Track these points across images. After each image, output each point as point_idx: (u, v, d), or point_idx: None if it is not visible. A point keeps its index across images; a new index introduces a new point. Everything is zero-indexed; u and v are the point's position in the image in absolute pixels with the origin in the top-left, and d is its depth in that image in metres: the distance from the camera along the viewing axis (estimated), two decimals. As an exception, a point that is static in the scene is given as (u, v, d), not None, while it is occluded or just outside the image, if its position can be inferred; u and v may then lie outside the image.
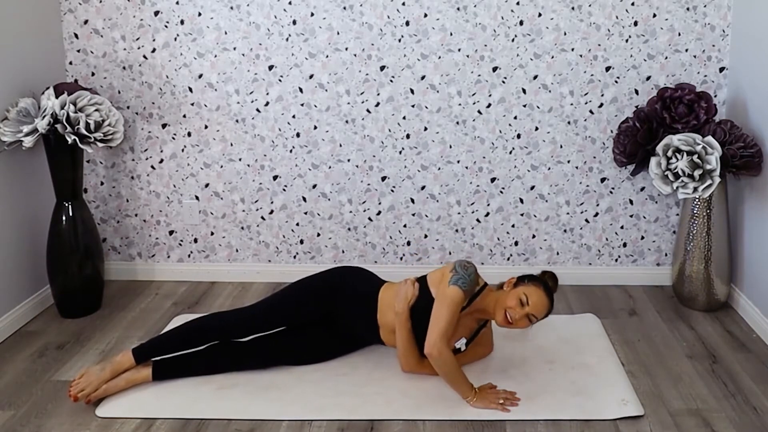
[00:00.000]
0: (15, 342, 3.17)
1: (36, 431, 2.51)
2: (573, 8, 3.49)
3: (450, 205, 3.73)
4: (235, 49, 3.60)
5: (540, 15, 3.50)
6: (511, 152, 3.65)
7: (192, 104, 3.67)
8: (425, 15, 3.52)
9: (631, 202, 3.68)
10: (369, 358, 2.95)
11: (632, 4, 3.47)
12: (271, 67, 3.61)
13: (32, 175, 3.42)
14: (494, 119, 3.61)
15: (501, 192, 3.70)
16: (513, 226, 3.74)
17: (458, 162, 3.67)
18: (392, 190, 3.72)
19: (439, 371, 2.62)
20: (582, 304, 3.52)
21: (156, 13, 3.59)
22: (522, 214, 3.72)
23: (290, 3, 3.54)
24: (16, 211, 3.31)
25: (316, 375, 2.82)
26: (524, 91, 3.58)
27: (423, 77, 3.58)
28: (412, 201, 3.73)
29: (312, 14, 3.55)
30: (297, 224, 3.79)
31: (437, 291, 2.68)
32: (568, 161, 3.65)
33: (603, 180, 3.66)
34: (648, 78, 3.54)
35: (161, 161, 3.75)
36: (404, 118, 3.63)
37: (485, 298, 2.73)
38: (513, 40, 3.53)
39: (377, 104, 3.62)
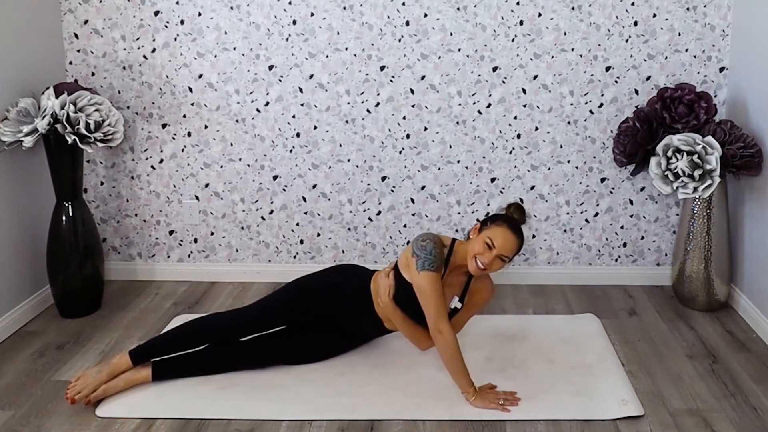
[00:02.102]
0: (15, 342, 3.17)
1: (36, 431, 2.51)
2: (573, 8, 3.49)
3: (450, 205, 3.73)
4: (235, 49, 3.60)
5: (540, 15, 3.50)
6: (511, 152, 3.65)
7: (192, 104, 3.67)
8: (425, 15, 3.52)
9: (631, 202, 3.68)
10: (368, 358, 2.95)
11: (632, 4, 3.47)
12: (271, 67, 3.61)
13: (32, 175, 3.42)
14: (494, 119, 3.61)
15: (501, 192, 3.70)
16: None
17: (458, 162, 3.67)
18: (392, 190, 3.72)
19: (442, 354, 2.62)
20: (582, 304, 3.52)
21: (156, 13, 3.59)
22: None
23: (290, 3, 3.54)
24: (16, 211, 3.31)
25: (316, 375, 2.82)
26: (524, 91, 3.58)
27: (423, 77, 3.58)
28: (412, 201, 3.73)
29: (312, 14, 3.55)
30: (297, 224, 3.79)
31: (410, 277, 2.68)
32: (568, 161, 3.65)
33: (603, 180, 3.66)
34: (648, 78, 3.54)
35: (161, 161, 3.75)
36: (404, 118, 3.63)
37: (458, 254, 2.72)
38: (513, 40, 3.53)
39: (377, 104, 3.62)
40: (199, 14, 3.58)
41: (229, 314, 2.91)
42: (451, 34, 3.53)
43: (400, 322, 2.75)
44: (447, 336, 2.59)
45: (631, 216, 3.70)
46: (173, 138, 3.72)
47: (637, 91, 3.56)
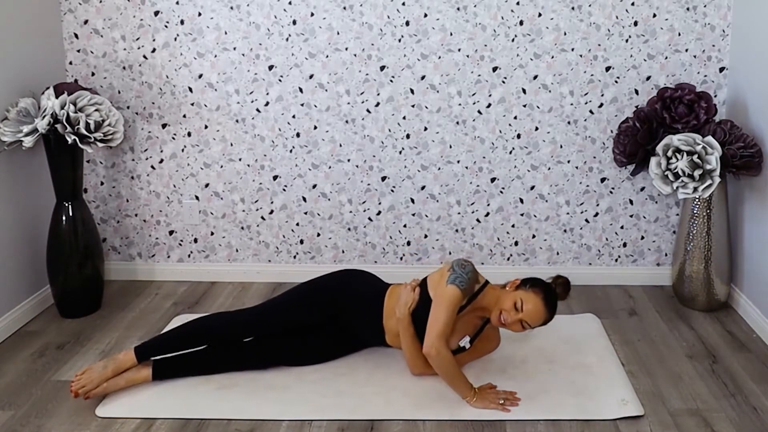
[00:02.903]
0: (15, 342, 3.17)
1: (36, 431, 2.51)
2: (573, 8, 3.49)
3: (450, 205, 3.73)
4: (235, 49, 3.60)
5: (540, 15, 3.50)
6: (511, 152, 3.65)
7: (192, 104, 3.67)
8: (425, 15, 3.52)
9: (631, 202, 3.68)
10: (369, 359, 2.95)
11: (632, 4, 3.47)
12: (271, 67, 3.61)
13: (32, 175, 3.42)
14: (494, 119, 3.61)
15: (501, 192, 3.70)
16: (513, 226, 3.74)
17: (458, 162, 3.67)
18: (392, 190, 3.72)
19: (438, 371, 2.62)
20: (582, 304, 3.52)
21: (156, 13, 3.59)
22: (522, 214, 3.72)
23: (290, 3, 3.54)
24: (16, 211, 3.31)
25: (316, 375, 2.82)
26: (524, 91, 3.58)
27: (423, 77, 3.58)
28: (412, 201, 3.73)
29: (312, 14, 3.55)
30: (297, 224, 3.79)
31: (434, 292, 2.68)
32: (568, 161, 3.65)
33: (603, 180, 3.66)
34: (648, 78, 3.54)
35: (161, 161, 3.75)
36: (404, 118, 3.63)
37: (486, 296, 2.72)
38: (513, 40, 3.53)
39: (377, 104, 3.62)
40: (199, 14, 3.58)
41: (234, 314, 2.91)
42: (451, 34, 3.53)
43: (408, 338, 2.74)
44: (443, 354, 2.58)
45: (631, 216, 3.70)
46: (173, 138, 3.72)
47: (637, 91, 3.56)
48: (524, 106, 3.60)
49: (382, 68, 3.58)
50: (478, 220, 3.74)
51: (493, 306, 2.69)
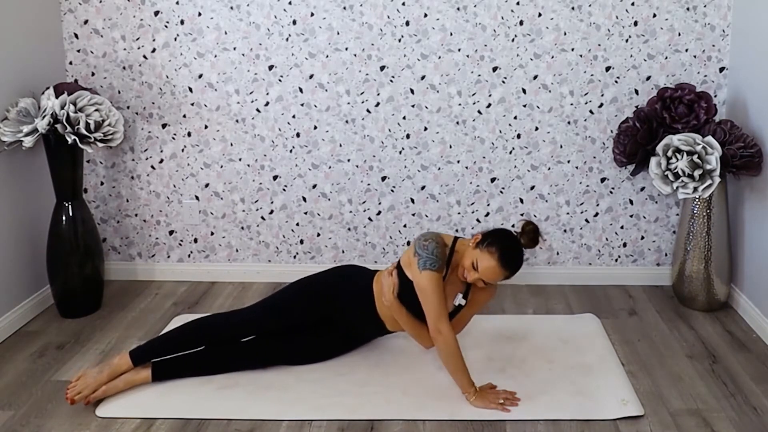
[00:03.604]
0: (15, 342, 3.17)
1: (36, 431, 2.51)
2: (573, 8, 3.49)
3: (450, 205, 3.73)
4: (235, 49, 3.60)
5: (540, 15, 3.50)
6: (511, 152, 3.65)
7: (192, 104, 3.67)
8: (425, 15, 3.52)
9: (631, 202, 3.68)
10: (368, 358, 2.95)
11: (632, 4, 3.47)
12: (271, 67, 3.61)
13: (32, 175, 3.42)
14: (494, 119, 3.61)
15: (501, 192, 3.70)
16: (513, 226, 3.73)
17: (458, 162, 3.67)
18: (392, 190, 3.72)
19: (442, 355, 2.62)
20: (582, 304, 3.52)
21: (156, 13, 3.59)
22: (522, 214, 3.72)
23: (290, 3, 3.54)
24: (16, 211, 3.31)
25: (316, 375, 2.82)
26: (524, 91, 3.58)
27: (423, 77, 3.58)
28: (412, 201, 3.73)
29: (312, 14, 3.55)
30: (297, 224, 3.79)
31: (412, 275, 2.67)
32: (568, 161, 3.65)
33: (603, 180, 3.66)
34: (648, 78, 3.54)
35: (161, 161, 3.75)
36: (404, 118, 3.63)
37: (459, 254, 2.71)
38: (513, 40, 3.53)
39: (377, 104, 3.62)
40: (199, 14, 3.58)
41: (229, 315, 2.92)
42: (451, 34, 3.53)
43: (405, 320, 2.74)
44: (447, 336, 2.59)
45: (631, 216, 3.70)
46: (173, 138, 3.72)
47: (637, 91, 3.56)
48: (524, 106, 3.60)
49: (382, 68, 3.58)
50: (478, 220, 3.74)
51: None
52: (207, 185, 3.76)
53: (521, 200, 3.70)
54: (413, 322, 2.74)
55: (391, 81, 3.59)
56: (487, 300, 2.87)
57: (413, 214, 3.74)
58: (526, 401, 2.62)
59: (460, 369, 2.61)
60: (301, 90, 3.62)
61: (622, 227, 3.72)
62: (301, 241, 3.81)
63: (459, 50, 3.54)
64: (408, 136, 3.65)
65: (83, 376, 2.67)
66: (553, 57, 3.54)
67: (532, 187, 3.69)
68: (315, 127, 3.66)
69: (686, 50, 3.51)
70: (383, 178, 3.70)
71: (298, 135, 3.68)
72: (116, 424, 2.54)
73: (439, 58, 3.56)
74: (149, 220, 3.83)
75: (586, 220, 3.72)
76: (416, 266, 2.63)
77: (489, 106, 3.60)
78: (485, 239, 2.66)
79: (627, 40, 3.51)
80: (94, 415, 2.59)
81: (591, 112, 3.59)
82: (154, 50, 3.63)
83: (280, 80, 3.62)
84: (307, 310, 2.85)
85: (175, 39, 3.61)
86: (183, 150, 3.72)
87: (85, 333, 3.25)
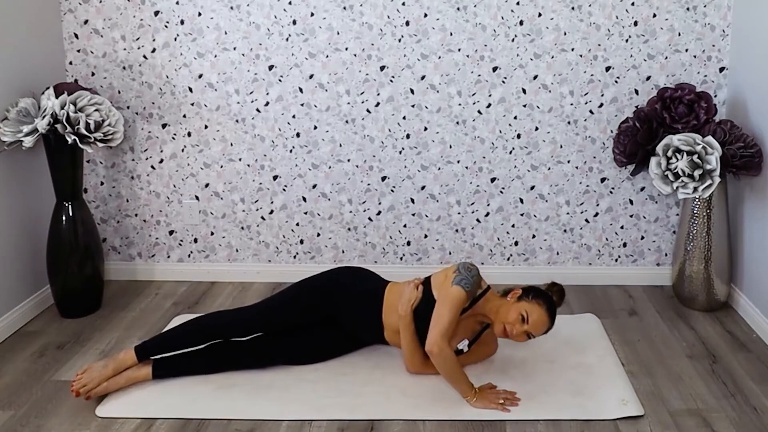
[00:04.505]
0: (15, 342, 3.17)
1: (36, 431, 2.51)
2: (573, 8, 3.49)
3: (450, 205, 3.73)
4: (235, 49, 3.60)
5: (540, 15, 3.50)
6: (511, 152, 3.65)
7: (192, 104, 3.67)
8: (425, 15, 3.52)
9: (631, 202, 3.68)
10: (369, 358, 2.95)
11: (632, 4, 3.47)
12: (271, 67, 3.61)
13: (32, 175, 3.42)
14: (494, 119, 3.61)
15: (501, 192, 3.70)
16: (513, 226, 3.74)
17: (458, 162, 3.67)
18: (392, 190, 3.72)
19: (440, 369, 2.62)
20: (582, 304, 3.52)
21: (156, 13, 3.59)
22: (522, 214, 3.72)
23: (290, 3, 3.54)
24: (16, 211, 3.31)
25: (316, 375, 2.82)
26: (524, 91, 3.58)
27: (423, 77, 3.58)
28: (412, 201, 3.73)
29: (312, 14, 3.55)
30: (297, 224, 3.79)
31: (438, 292, 2.68)
32: (568, 161, 3.65)
33: (603, 180, 3.66)
34: (648, 78, 3.54)
35: (161, 161, 3.75)
36: (404, 118, 3.63)
37: (487, 303, 2.73)
38: (513, 40, 3.53)
39: (377, 104, 3.62)
40: (199, 14, 3.58)
41: (232, 313, 2.91)
42: (451, 34, 3.53)
43: (408, 336, 2.74)
44: (446, 351, 2.59)
45: (631, 216, 3.70)
46: (173, 138, 3.72)
47: (637, 91, 3.56)
48: (524, 106, 3.60)
49: (382, 68, 3.58)
50: (478, 220, 3.74)
51: (493, 314, 2.70)
52: (207, 185, 3.76)
53: (521, 200, 3.70)
54: (414, 341, 2.75)
55: (391, 81, 3.59)
56: (488, 355, 2.92)
57: (413, 214, 3.74)
58: (526, 401, 2.62)
59: (458, 378, 2.62)
60: (301, 90, 3.62)
61: (622, 227, 3.72)
62: (301, 241, 3.81)
63: (459, 50, 3.54)
64: (408, 136, 3.65)
65: (89, 369, 2.68)
66: (553, 57, 3.54)
67: (532, 187, 3.69)
68: (315, 127, 3.66)
69: (686, 50, 3.51)
70: (383, 178, 3.70)
71: (298, 135, 3.68)
72: (116, 424, 2.54)
73: (439, 58, 3.56)
74: (149, 220, 3.83)
75: (586, 220, 3.72)
76: (451, 280, 2.64)
77: (489, 106, 3.60)
78: (528, 293, 2.68)
79: (627, 40, 3.51)
80: (94, 415, 2.59)
81: (591, 112, 3.59)
82: (154, 50, 3.63)
83: (280, 80, 3.62)
84: (312, 309, 2.85)
85: (175, 39, 3.61)
86: (183, 150, 3.72)
87: (85, 333, 3.25)
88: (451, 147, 3.65)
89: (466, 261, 2.75)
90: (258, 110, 3.66)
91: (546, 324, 2.65)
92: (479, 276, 2.71)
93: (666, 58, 3.52)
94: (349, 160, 3.69)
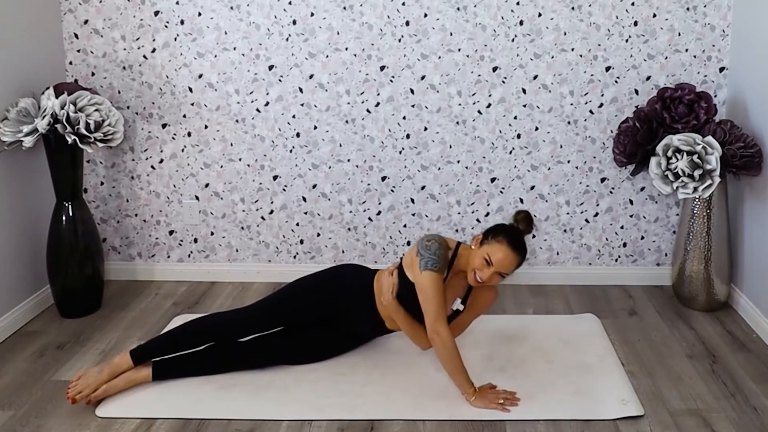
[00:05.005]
0: (15, 342, 3.17)
1: (36, 431, 2.51)
2: (573, 8, 3.49)
3: (450, 205, 3.73)
4: (235, 49, 3.60)
5: (540, 15, 3.50)
6: (511, 152, 3.65)
7: (192, 104, 3.67)
8: (425, 15, 3.52)
9: (631, 202, 3.68)
10: (369, 358, 2.95)
11: (632, 4, 3.47)
12: (271, 67, 3.61)
13: (32, 175, 3.42)
14: (494, 119, 3.61)
15: (501, 192, 3.70)
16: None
17: (458, 162, 3.67)
18: (392, 190, 3.72)
19: (441, 358, 2.63)
20: (582, 304, 3.52)
21: (156, 13, 3.59)
22: (522, 214, 3.72)
23: (290, 3, 3.54)
24: (16, 211, 3.31)
25: (316, 375, 2.82)
26: (524, 91, 3.58)
27: (423, 77, 3.58)
28: (412, 201, 3.73)
29: (312, 14, 3.55)
30: (297, 224, 3.79)
31: (413, 276, 2.68)
32: (568, 161, 3.65)
33: (603, 180, 3.66)
34: (648, 78, 3.54)
35: (161, 161, 3.75)
36: (404, 118, 3.63)
37: (461, 259, 2.72)
38: (513, 40, 3.53)
39: (377, 104, 3.62)
40: (199, 14, 3.58)
41: (229, 314, 2.92)
42: (451, 34, 3.53)
43: (403, 320, 2.75)
44: (445, 338, 2.59)
45: (631, 216, 3.70)
46: (173, 138, 3.72)
47: (637, 91, 3.56)
48: (524, 106, 3.60)
49: (382, 68, 3.58)
50: (478, 220, 3.74)
51: (467, 267, 2.69)
52: (207, 185, 3.76)
53: (521, 200, 3.70)
54: (411, 322, 2.75)
55: (391, 81, 3.59)
56: (488, 304, 2.87)
57: (413, 214, 3.74)
58: (526, 401, 2.62)
59: (458, 370, 2.61)
60: (301, 90, 3.63)
61: (622, 227, 3.72)
62: (301, 241, 3.81)
63: (459, 50, 3.54)
64: (408, 136, 3.65)
65: (84, 375, 2.67)
66: (553, 57, 3.54)
67: (532, 187, 3.69)
68: (315, 127, 3.66)
69: (686, 50, 3.51)
70: (383, 178, 3.70)
71: (298, 135, 3.68)
72: (116, 424, 2.54)
73: (439, 58, 3.56)
74: (149, 220, 3.83)
75: (586, 220, 3.72)
76: (418, 266, 2.63)
77: (489, 106, 3.60)
78: (488, 234, 2.68)
79: (627, 40, 3.51)
80: (94, 415, 2.59)
81: (591, 112, 3.59)
82: (154, 50, 3.63)
83: (280, 80, 3.62)
84: (309, 308, 2.85)
85: (175, 39, 3.61)
86: (183, 150, 3.72)
87: (85, 333, 3.25)
88: (451, 147, 3.65)
89: (423, 237, 2.70)
90: (258, 110, 3.66)
91: (512, 259, 2.63)
92: (440, 244, 2.66)
93: (666, 58, 3.52)
94: (349, 160, 3.69)
